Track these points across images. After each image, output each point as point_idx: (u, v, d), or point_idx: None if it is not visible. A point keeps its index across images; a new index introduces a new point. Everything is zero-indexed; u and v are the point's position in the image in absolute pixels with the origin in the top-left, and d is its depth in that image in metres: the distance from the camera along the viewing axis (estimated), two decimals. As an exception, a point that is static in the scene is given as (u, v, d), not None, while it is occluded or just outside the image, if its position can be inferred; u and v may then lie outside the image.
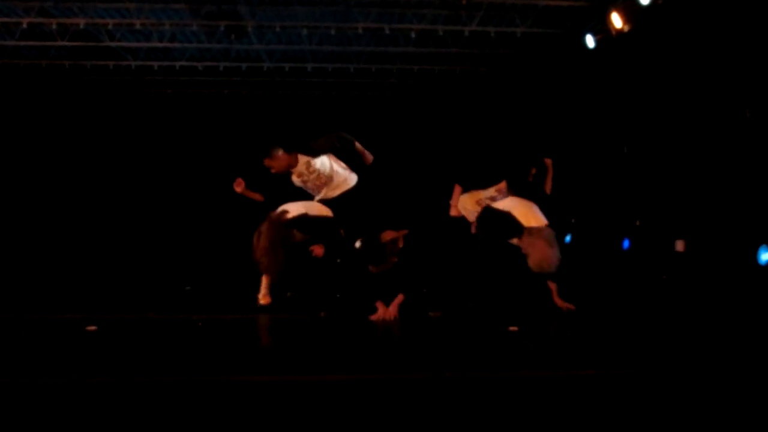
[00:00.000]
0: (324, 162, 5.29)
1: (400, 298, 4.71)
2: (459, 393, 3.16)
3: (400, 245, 4.78)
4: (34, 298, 5.71)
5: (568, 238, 9.76)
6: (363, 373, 3.50)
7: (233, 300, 5.55)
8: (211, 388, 3.18)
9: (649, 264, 7.33)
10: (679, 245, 7.19)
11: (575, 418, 2.85)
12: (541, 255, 4.73)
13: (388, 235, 4.76)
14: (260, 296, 5.14)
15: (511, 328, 4.46)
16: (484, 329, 4.56)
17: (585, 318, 4.93)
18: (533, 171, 5.82)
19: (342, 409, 2.92)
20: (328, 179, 5.30)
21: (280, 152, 5.20)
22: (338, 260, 5.29)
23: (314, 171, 5.25)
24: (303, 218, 5.07)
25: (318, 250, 5.02)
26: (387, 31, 9.17)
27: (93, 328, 4.39)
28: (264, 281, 5.12)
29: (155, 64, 10.91)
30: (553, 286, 5.04)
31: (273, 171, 5.22)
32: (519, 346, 4.09)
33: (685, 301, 5.59)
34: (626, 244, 8.44)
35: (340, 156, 5.42)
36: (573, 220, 9.84)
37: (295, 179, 5.31)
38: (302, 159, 5.24)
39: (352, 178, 5.50)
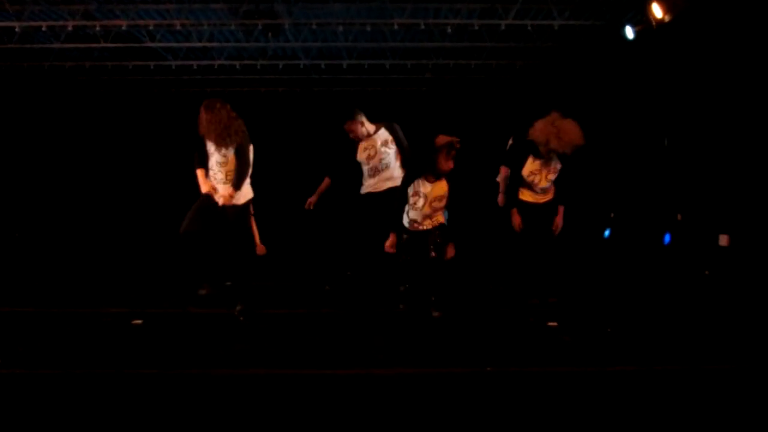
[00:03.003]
0: (388, 151, 5.41)
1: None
2: (499, 387, 3.18)
3: (454, 151, 4.74)
4: (84, 293, 5.90)
5: (607, 233, 9.64)
6: (405, 367, 3.55)
7: (273, 295, 5.64)
8: (253, 382, 3.26)
9: (691, 259, 7.19)
10: (723, 240, 7.02)
11: (614, 413, 2.84)
12: (567, 133, 4.79)
13: (442, 139, 4.75)
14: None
15: (550, 324, 4.45)
16: (524, 325, 4.56)
17: (625, 313, 4.88)
18: None
19: (387, 403, 2.97)
20: (385, 167, 5.42)
21: (364, 118, 5.35)
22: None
23: (379, 152, 5.38)
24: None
25: None
26: (422, 27, 9.15)
27: (138, 321, 4.54)
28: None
29: (194, 63, 11.09)
30: (560, 207, 5.06)
31: (351, 136, 5.39)
32: (558, 341, 4.08)
33: (729, 297, 5.48)
34: (667, 238, 8.28)
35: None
36: (613, 215, 9.69)
37: (361, 153, 5.44)
38: (376, 134, 5.38)
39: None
